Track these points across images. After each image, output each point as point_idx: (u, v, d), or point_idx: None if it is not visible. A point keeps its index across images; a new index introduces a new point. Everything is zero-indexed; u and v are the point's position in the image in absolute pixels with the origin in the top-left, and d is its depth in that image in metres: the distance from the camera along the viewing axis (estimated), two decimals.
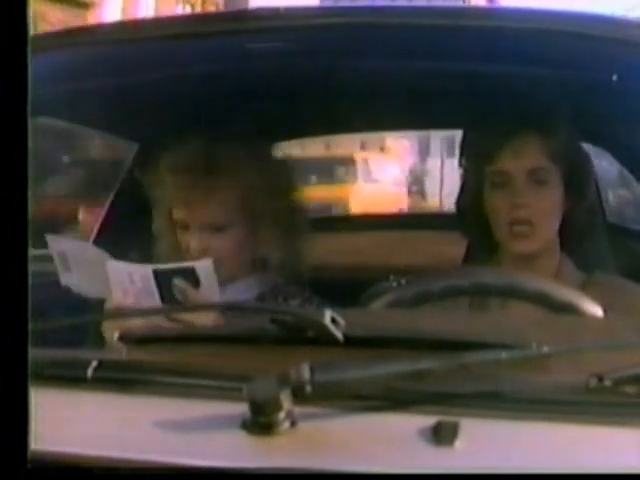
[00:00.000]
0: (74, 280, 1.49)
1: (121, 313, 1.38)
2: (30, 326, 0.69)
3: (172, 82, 1.77)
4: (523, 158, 1.54)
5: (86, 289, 1.48)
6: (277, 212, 1.60)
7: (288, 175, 1.69)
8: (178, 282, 1.35)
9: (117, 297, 1.39)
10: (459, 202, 1.70)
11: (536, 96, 1.59)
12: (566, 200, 1.57)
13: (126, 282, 1.38)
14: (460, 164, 1.73)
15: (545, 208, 1.54)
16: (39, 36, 1.65)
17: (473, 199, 1.61)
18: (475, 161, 1.62)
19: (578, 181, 1.59)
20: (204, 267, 1.37)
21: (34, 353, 0.70)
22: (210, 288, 1.36)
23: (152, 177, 1.63)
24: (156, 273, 1.37)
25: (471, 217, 1.64)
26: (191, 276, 1.36)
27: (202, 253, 1.52)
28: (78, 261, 1.47)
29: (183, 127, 1.71)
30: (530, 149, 1.54)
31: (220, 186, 1.55)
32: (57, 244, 1.51)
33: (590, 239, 1.70)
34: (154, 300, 1.36)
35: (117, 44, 1.61)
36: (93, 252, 1.47)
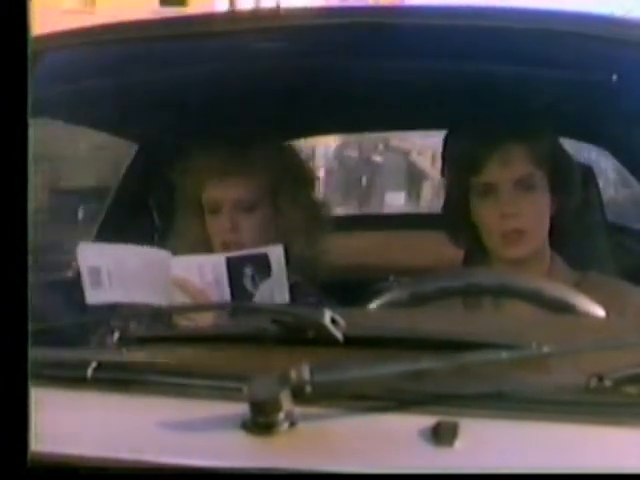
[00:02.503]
0: (105, 296, 1.38)
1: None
2: (30, 326, 0.69)
3: (181, 81, 1.77)
4: (510, 167, 1.52)
5: (127, 299, 1.39)
6: (299, 205, 1.66)
7: (307, 172, 1.77)
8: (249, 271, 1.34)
9: (179, 295, 1.35)
10: (445, 211, 1.68)
11: (523, 101, 1.58)
12: (553, 202, 1.56)
13: (195, 276, 1.35)
14: (442, 173, 1.71)
15: (534, 214, 1.53)
16: (39, 36, 1.65)
17: (459, 208, 1.59)
18: (460, 171, 1.59)
19: (563, 182, 1.58)
20: (276, 253, 1.35)
21: (34, 353, 0.69)
22: (280, 276, 1.35)
23: (182, 166, 1.69)
24: (229, 261, 1.36)
25: (458, 225, 1.62)
26: (263, 263, 1.35)
27: (232, 231, 1.58)
28: (118, 272, 1.37)
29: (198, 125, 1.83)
30: (516, 157, 1.52)
31: (251, 165, 1.63)
32: (90, 256, 1.38)
33: (583, 238, 1.70)
34: (223, 291, 1.35)
35: (120, 44, 1.61)
36: (152, 255, 1.40)
